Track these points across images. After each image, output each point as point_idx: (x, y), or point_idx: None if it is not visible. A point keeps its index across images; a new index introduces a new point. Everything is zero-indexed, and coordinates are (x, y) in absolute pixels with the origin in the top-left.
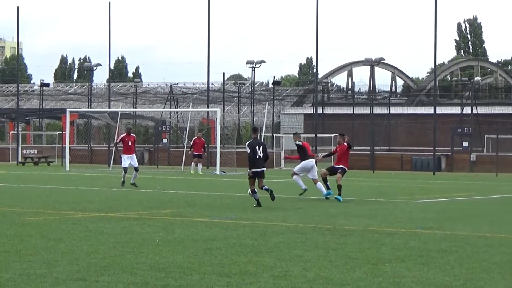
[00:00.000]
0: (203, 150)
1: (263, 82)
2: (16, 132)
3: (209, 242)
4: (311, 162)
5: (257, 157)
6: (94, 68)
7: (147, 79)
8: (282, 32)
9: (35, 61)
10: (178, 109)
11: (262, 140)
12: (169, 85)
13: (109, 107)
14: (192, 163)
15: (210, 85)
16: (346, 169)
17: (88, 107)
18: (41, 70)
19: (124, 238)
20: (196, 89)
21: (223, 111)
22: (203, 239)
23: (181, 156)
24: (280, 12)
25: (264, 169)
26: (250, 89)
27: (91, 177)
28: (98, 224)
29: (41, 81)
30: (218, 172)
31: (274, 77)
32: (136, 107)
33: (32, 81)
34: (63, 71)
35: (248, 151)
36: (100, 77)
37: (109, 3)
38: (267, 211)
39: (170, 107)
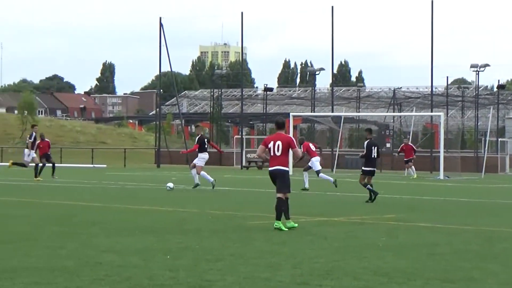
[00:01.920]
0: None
1: (487, 86)
2: (240, 136)
3: (432, 247)
4: None
5: (372, 156)
6: (317, 72)
7: (370, 83)
8: (507, 34)
9: (259, 65)
10: (401, 113)
11: (486, 145)
12: (392, 89)
13: (332, 111)
14: (406, 168)
15: (434, 89)
16: None
17: (311, 111)
18: (265, 75)
19: (347, 242)
20: (419, 93)
21: (447, 116)
22: (427, 244)
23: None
24: (504, 13)
25: (375, 169)
26: (474, 93)
27: (310, 181)
28: (321, 228)
29: (265, 85)
30: (441, 177)
31: (498, 81)
32: (359, 111)
33: (255, 86)
34: (286, 76)
35: (365, 151)
36: (323, 82)
37: (332, 7)
38: (492, 216)
39: (393, 111)
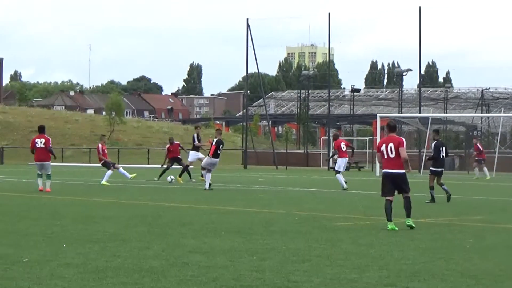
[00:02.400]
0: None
1: None
2: (327, 138)
3: None
4: None
5: (441, 157)
6: (405, 73)
7: (458, 84)
8: None
9: (346, 66)
10: (490, 114)
11: None
12: (480, 90)
13: (419, 112)
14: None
15: None
16: None
17: (398, 113)
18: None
19: (434, 244)
20: (508, 94)
21: None
22: None
23: (492, 161)
24: None
25: (443, 168)
26: None
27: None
28: (408, 230)
29: (352, 86)
30: None
31: None
32: (446, 112)
33: (343, 87)
34: (373, 76)
35: (433, 152)
36: (411, 82)
37: (420, 7)
38: None
39: (481, 112)
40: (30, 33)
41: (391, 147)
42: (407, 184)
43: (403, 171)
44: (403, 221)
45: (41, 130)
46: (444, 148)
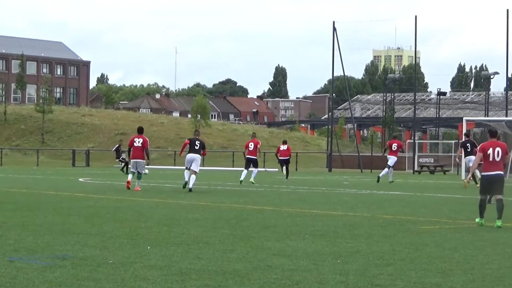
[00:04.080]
0: None
1: None
2: (412, 141)
3: None
4: None
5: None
6: (492, 76)
7: None
8: None
9: (432, 69)
10: None
11: None
12: None
13: (506, 116)
14: None
15: None
16: None
17: (484, 116)
18: (438, 79)
19: None
20: None
21: None
22: None
23: None
24: None
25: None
26: None
27: None
28: (494, 233)
29: (438, 89)
30: None
31: None
32: None
33: (429, 90)
34: (460, 80)
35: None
36: (497, 86)
37: (507, 10)
38: None
39: None
40: (123, 37)
41: (498, 152)
42: (502, 186)
43: (502, 173)
44: (489, 225)
45: (140, 131)
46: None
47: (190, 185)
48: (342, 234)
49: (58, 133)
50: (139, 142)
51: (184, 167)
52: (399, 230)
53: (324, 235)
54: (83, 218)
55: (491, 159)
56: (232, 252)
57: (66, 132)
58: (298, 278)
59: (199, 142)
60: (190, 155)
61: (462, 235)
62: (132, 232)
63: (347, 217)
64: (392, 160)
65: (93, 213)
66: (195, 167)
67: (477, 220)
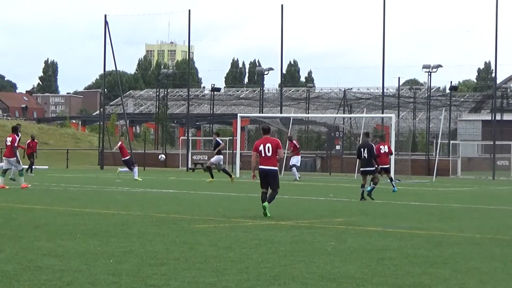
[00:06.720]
0: None
1: (439, 87)
2: (186, 138)
3: (382, 252)
4: None
5: (362, 157)
6: (266, 72)
7: (320, 84)
8: (460, 36)
9: (206, 65)
10: (352, 115)
11: (438, 148)
12: (343, 90)
13: (280, 113)
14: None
15: (385, 90)
16: None
17: (259, 112)
18: (212, 74)
19: (294, 247)
20: (370, 94)
21: (398, 117)
22: (376, 249)
23: (354, 163)
24: (458, 15)
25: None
26: (426, 95)
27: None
28: (269, 232)
29: (212, 85)
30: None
31: (451, 82)
32: (308, 113)
33: (202, 86)
34: (234, 75)
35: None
36: (272, 82)
37: (282, 5)
38: (442, 220)
39: (344, 113)
40: None
41: (268, 147)
42: (277, 181)
43: (276, 168)
44: (264, 224)
45: (13, 130)
46: (366, 149)
47: None
48: (115, 233)
49: None
50: (9, 140)
51: None
52: (173, 229)
53: (96, 234)
54: None
55: (263, 154)
56: (0, 253)
57: None
58: (69, 279)
59: None
60: None
61: (237, 233)
62: None
63: (120, 215)
64: (296, 159)
65: None
66: None
67: (263, 204)
